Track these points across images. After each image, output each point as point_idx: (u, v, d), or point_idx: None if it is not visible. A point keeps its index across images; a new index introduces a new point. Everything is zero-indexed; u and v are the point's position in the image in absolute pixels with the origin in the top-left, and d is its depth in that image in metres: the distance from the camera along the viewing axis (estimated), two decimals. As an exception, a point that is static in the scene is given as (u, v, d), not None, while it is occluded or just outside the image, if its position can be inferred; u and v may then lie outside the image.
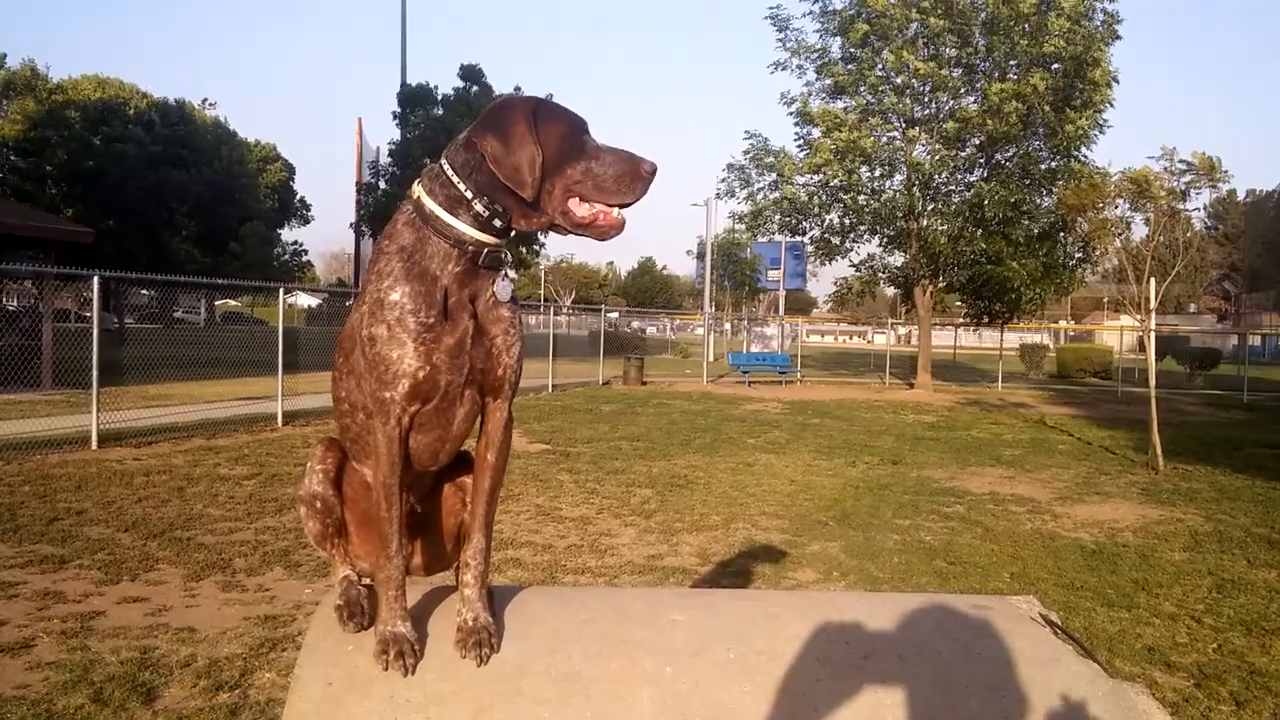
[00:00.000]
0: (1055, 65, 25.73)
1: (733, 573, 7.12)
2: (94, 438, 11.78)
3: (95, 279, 12.47)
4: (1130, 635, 5.81)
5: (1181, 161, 13.63)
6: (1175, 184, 13.69)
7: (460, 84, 43.98)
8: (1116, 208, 14.60)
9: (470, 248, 1.89)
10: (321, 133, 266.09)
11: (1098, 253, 18.80)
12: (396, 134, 45.30)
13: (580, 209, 1.90)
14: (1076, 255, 27.27)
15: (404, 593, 1.94)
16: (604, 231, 1.93)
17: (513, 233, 1.96)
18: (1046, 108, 25.25)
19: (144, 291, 33.94)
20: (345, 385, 2.01)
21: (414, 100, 43.56)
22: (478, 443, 2.05)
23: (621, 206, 1.91)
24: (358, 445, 2.05)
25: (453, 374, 1.90)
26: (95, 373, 12.27)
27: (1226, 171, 13.84)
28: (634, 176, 1.90)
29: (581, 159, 1.89)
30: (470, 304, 1.92)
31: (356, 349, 1.94)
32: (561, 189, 1.88)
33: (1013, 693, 1.89)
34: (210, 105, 60.96)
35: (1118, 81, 26.10)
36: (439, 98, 44.07)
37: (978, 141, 27.07)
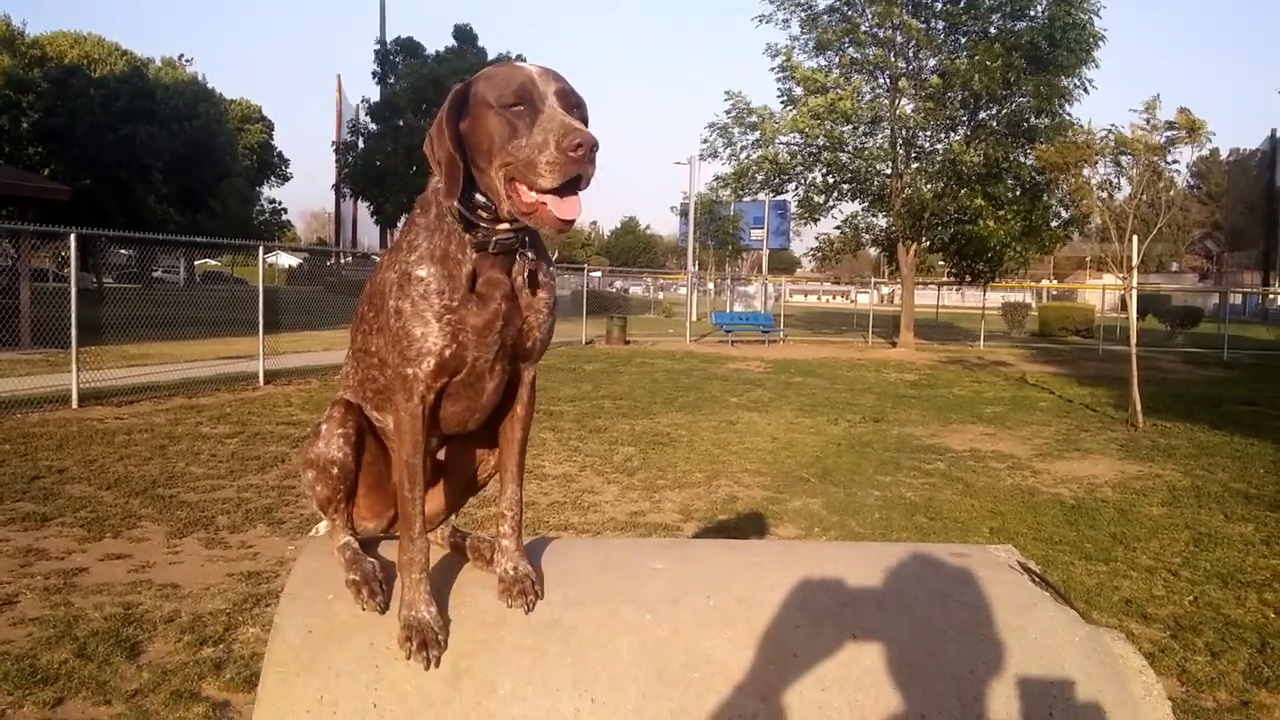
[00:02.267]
0: (1037, 15, 25.79)
1: (715, 529, 7.16)
2: (74, 397, 11.72)
3: (73, 236, 12.34)
4: (1108, 588, 5.88)
5: (1167, 123, 13.60)
6: (1158, 139, 13.67)
7: (453, 43, 43.58)
8: (1097, 164, 14.59)
9: (481, 234, 1.82)
10: (300, 88, 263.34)
11: (1082, 209, 18.79)
12: (376, 92, 44.88)
13: (527, 195, 1.71)
14: (1060, 214, 27.34)
15: (427, 574, 1.88)
16: (543, 224, 1.73)
17: (516, 220, 1.80)
18: (1023, 63, 25.25)
19: (122, 250, 33.59)
20: (375, 340, 1.93)
21: (402, 52, 43.10)
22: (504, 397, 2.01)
23: (556, 193, 1.69)
24: (382, 396, 1.98)
25: (481, 351, 1.86)
26: (74, 332, 12.18)
27: (1210, 132, 13.80)
28: (561, 156, 1.65)
29: (515, 136, 1.70)
30: (507, 283, 1.86)
31: (387, 308, 1.87)
32: (503, 173, 1.72)
33: (989, 638, 1.90)
34: (187, 61, 60.18)
35: (1105, 40, 26.05)
36: (429, 54, 43.59)
37: (960, 98, 27.02)
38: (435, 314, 1.81)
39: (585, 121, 1.78)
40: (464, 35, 43.46)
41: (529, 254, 1.88)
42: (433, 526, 2.14)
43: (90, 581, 5.44)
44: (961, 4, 26.61)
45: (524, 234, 1.85)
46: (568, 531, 6.87)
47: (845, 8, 27.45)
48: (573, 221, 1.72)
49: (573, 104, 1.75)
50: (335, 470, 2.01)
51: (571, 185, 1.69)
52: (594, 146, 1.66)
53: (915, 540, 6.88)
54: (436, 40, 42.89)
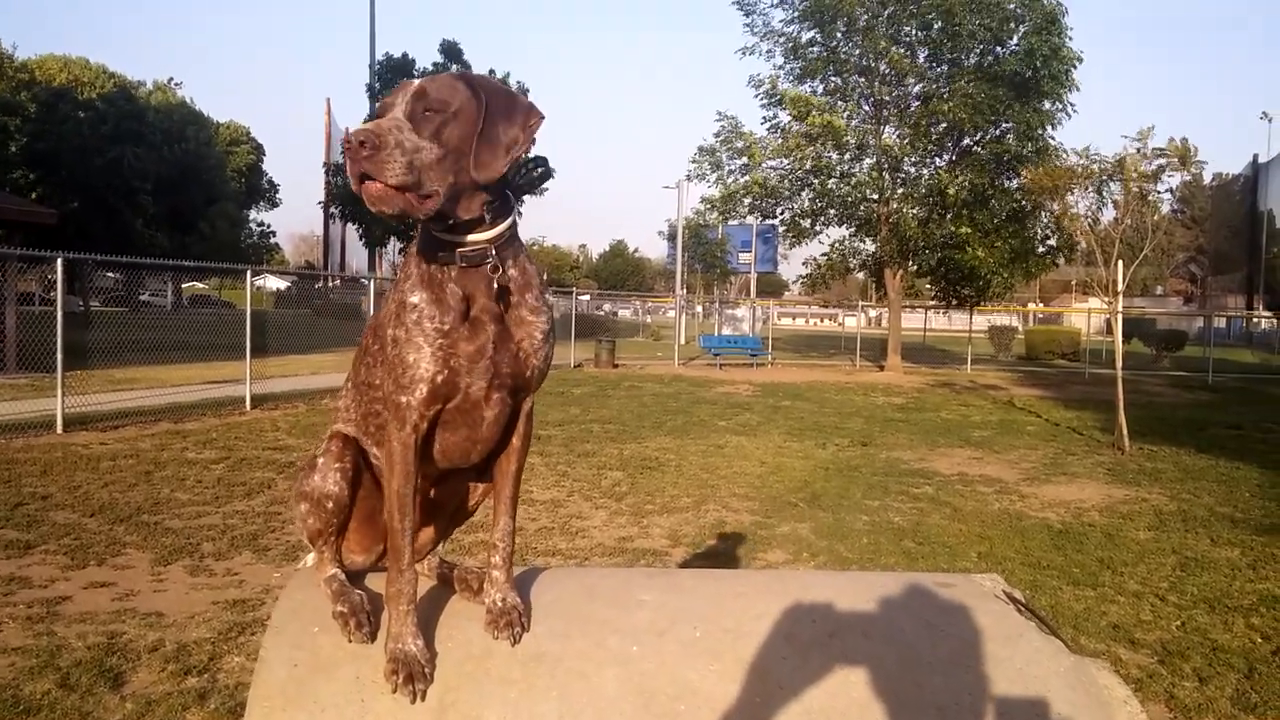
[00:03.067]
0: (1014, 43, 26.09)
1: (703, 554, 7.15)
2: (59, 422, 11.65)
3: (59, 260, 12.31)
4: (1095, 613, 5.88)
5: (1156, 149, 13.71)
6: (1147, 167, 13.78)
7: (440, 60, 43.66)
8: (1086, 188, 14.69)
9: (454, 247, 1.81)
10: (289, 112, 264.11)
11: (1068, 231, 18.88)
12: (366, 113, 44.93)
13: None
14: (1048, 242, 27.53)
15: (415, 607, 1.86)
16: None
17: (491, 227, 1.82)
18: (1009, 102, 25.50)
19: (109, 274, 33.47)
20: (378, 373, 1.93)
21: (393, 72, 43.18)
22: None
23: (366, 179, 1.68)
24: (384, 432, 1.95)
25: (473, 378, 1.84)
26: (60, 356, 12.13)
27: (1200, 161, 13.90)
28: (345, 156, 1.67)
29: None
30: (497, 308, 1.85)
31: (386, 338, 1.87)
32: None
33: (975, 669, 1.90)
34: (177, 85, 60.21)
35: (1081, 62, 26.33)
36: (419, 71, 43.63)
37: (944, 126, 27.23)
38: (428, 339, 1.80)
39: (446, 120, 1.73)
40: (451, 52, 43.56)
41: (509, 271, 1.86)
42: (421, 557, 2.13)
43: (74, 610, 5.40)
44: (937, 29, 26.85)
45: (496, 248, 1.83)
46: (555, 557, 6.85)
47: (827, 40, 27.72)
48: (377, 201, 1.67)
49: (425, 108, 1.73)
50: (330, 505, 2.00)
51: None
52: (349, 142, 1.65)
53: (903, 565, 6.89)
54: (428, 61, 42.65)
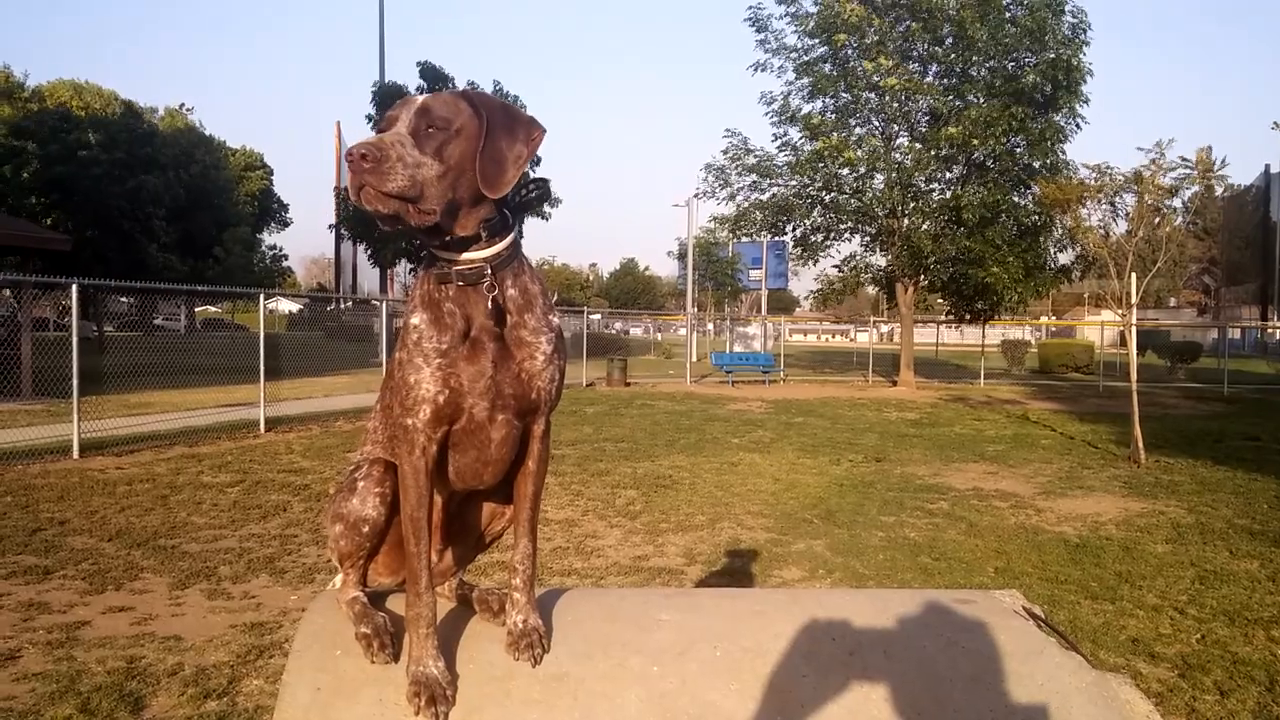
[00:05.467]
0: (1028, 59, 26.02)
1: (719, 572, 7.14)
2: (75, 447, 11.71)
3: (74, 286, 12.40)
4: (1114, 627, 5.85)
5: (1181, 158, 13.73)
6: (1165, 179, 13.77)
7: (422, 84, 43.73)
8: (1100, 201, 14.66)
9: (444, 265, 1.83)
10: (301, 134, 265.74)
11: (1082, 245, 18.81)
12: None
13: None
14: (1060, 259, 27.51)
15: (434, 630, 1.87)
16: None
17: (488, 246, 1.83)
18: (1021, 117, 25.46)
19: (123, 299, 33.70)
20: (390, 395, 1.96)
21: (391, 99, 43.32)
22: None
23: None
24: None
25: (476, 398, 1.85)
26: (75, 381, 12.20)
27: (1222, 176, 13.96)
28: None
29: None
30: (496, 328, 1.86)
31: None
32: None
33: (996, 685, 1.90)
34: (188, 110, 60.73)
35: (1092, 74, 26.32)
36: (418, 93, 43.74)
37: (954, 145, 27.24)
38: (427, 359, 1.82)
39: (450, 136, 1.76)
40: (430, 74, 43.58)
41: (508, 290, 1.86)
42: (443, 580, 2.14)
43: (93, 635, 5.42)
44: (949, 44, 26.87)
45: (493, 266, 1.84)
46: (571, 577, 6.85)
47: (836, 55, 27.74)
48: (374, 200, 1.69)
49: (428, 124, 1.75)
50: (366, 529, 2.01)
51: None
52: (350, 154, 1.67)
53: (920, 581, 6.86)
54: (413, 86, 42.52)
